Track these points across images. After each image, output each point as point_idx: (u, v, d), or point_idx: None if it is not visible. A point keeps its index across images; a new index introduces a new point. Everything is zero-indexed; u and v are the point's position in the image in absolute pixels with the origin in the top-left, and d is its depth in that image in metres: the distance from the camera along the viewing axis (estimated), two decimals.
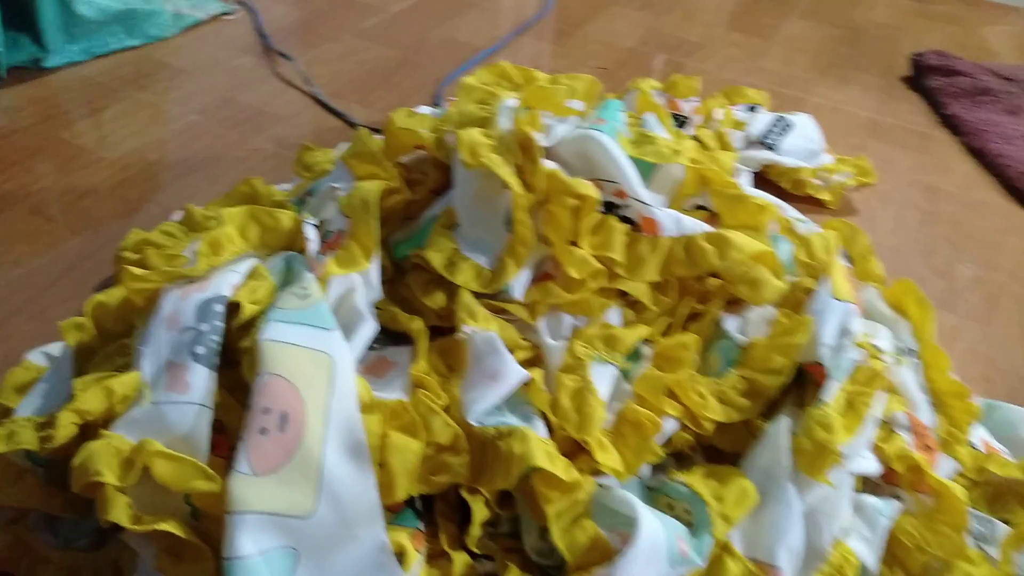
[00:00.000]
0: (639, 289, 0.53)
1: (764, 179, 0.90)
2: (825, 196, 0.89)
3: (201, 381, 0.44)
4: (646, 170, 0.56)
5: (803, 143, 0.93)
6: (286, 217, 0.52)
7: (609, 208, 0.54)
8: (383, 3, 1.26)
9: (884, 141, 1.04)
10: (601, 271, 0.51)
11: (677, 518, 0.47)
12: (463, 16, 1.24)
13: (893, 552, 0.51)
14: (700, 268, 0.52)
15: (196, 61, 1.08)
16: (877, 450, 0.52)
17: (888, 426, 0.53)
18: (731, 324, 0.53)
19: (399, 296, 0.53)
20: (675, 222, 0.53)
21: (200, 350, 0.45)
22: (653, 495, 0.49)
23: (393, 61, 1.10)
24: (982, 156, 1.01)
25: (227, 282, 0.48)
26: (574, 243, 0.52)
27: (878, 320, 0.62)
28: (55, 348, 0.60)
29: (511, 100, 0.54)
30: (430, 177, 0.56)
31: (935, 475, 0.51)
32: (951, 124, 1.08)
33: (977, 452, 0.59)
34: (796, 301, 0.55)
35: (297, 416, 0.41)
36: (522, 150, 0.51)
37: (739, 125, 0.93)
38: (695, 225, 0.53)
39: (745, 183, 0.82)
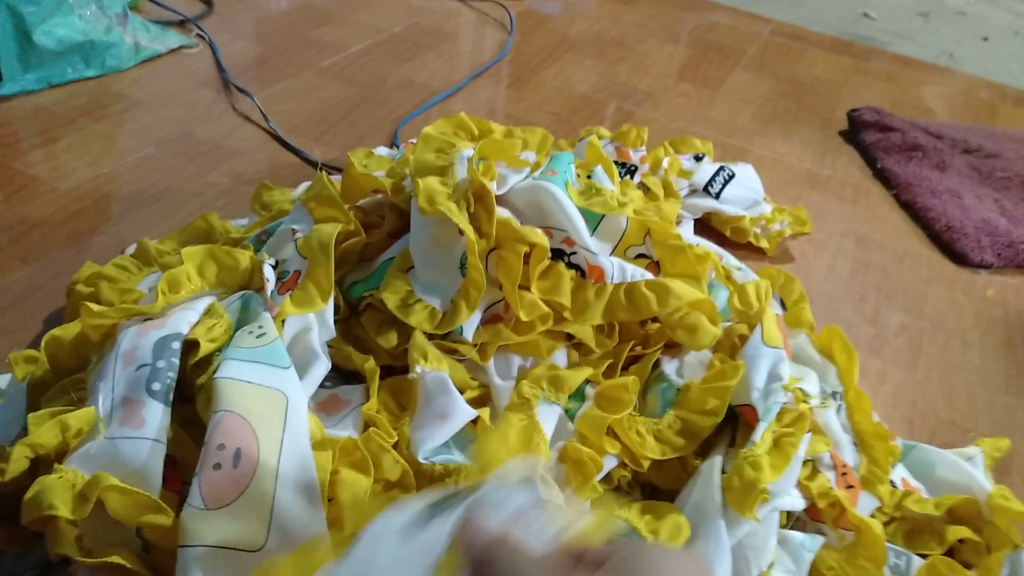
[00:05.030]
0: (584, 332, 0.55)
1: (706, 226, 0.94)
2: (763, 244, 0.94)
3: (156, 417, 0.45)
4: (593, 219, 0.59)
5: (744, 192, 0.98)
6: (244, 257, 0.53)
7: (558, 255, 0.57)
8: (342, 43, 1.28)
9: (821, 192, 1.09)
10: (549, 314, 0.54)
11: None
12: (421, 58, 1.27)
13: None
14: (641, 314, 0.55)
15: (154, 93, 1.09)
16: (802, 487, 0.55)
17: (813, 465, 0.56)
18: (669, 366, 0.56)
19: (352, 335, 0.55)
20: (619, 270, 0.56)
21: (156, 386, 0.46)
22: None
23: (351, 100, 1.12)
24: (911, 209, 1.08)
25: (184, 320, 0.49)
26: (524, 287, 0.55)
27: (807, 365, 0.66)
28: (2, 380, 0.60)
29: (468, 150, 0.57)
30: (387, 221, 0.58)
31: (856, 512, 0.55)
32: (883, 178, 1.14)
33: (896, 490, 0.63)
34: (730, 346, 0.58)
35: (251, 452, 0.42)
36: (476, 199, 0.53)
37: (685, 174, 0.97)
38: (638, 273, 0.56)
39: (687, 231, 0.86)
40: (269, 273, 0.53)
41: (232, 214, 0.84)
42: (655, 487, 0.55)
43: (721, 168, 0.99)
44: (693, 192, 0.96)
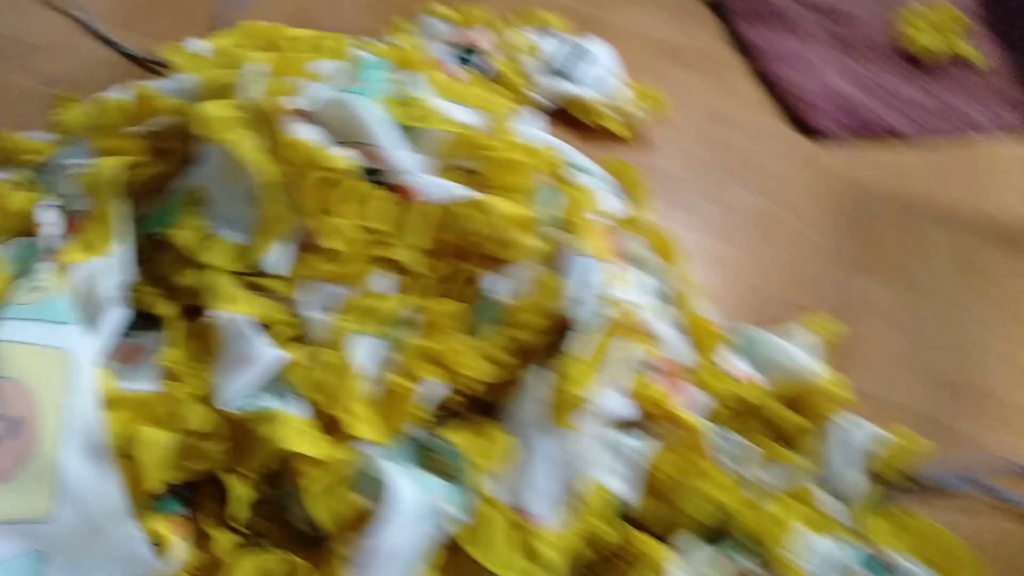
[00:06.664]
0: (407, 256, 0.54)
1: (560, 110, 0.92)
2: (618, 128, 0.92)
3: None
4: (411, 132, 0.56)
5: (599, 72, 0.95)
6: (16, 199, 0.49)
7: (372, 173, 0.54)
8: None
9: (680, 66, 1.07)
10: (361, 240, 0.52)
11: (443, 474, 0.51)
12: None
13: (653, 484, 0.57)
14: (463, 234, 0.54)
15: None
16: (635, 395, 0.57)
17: (641, 369, 0.58)
18: (495, 284, 0.56)
19: (157, 275, 0.52)
20: (437, 188, 0.54)
21: None
22: (424, 453, 0.52)
23: None
24: (765, 79, 1.07)
25: None
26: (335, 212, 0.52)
27: (644, 265, 0.67)
28: None
29: (260, 65, 0.52)
30: (183, 146, 0.53)
31: (675, 408, 0.57)
32: (743, 48, 1.13)
33: (731, 381, 0.66)
34: (556, 256, 0.58)
35: (31, 420, 0.40)
36: (269, 121, 0.49)
37: (534, 51, 0.94)
38: (457, 190, 0.54)
39: (534, 123, 0.84)
40: (46, 216, 0.48)
41: (36, 123, 0.76)
42: (492, 404, 0.56)
43: (576, 46, 0.96)
44: (544, 73, 0.93)
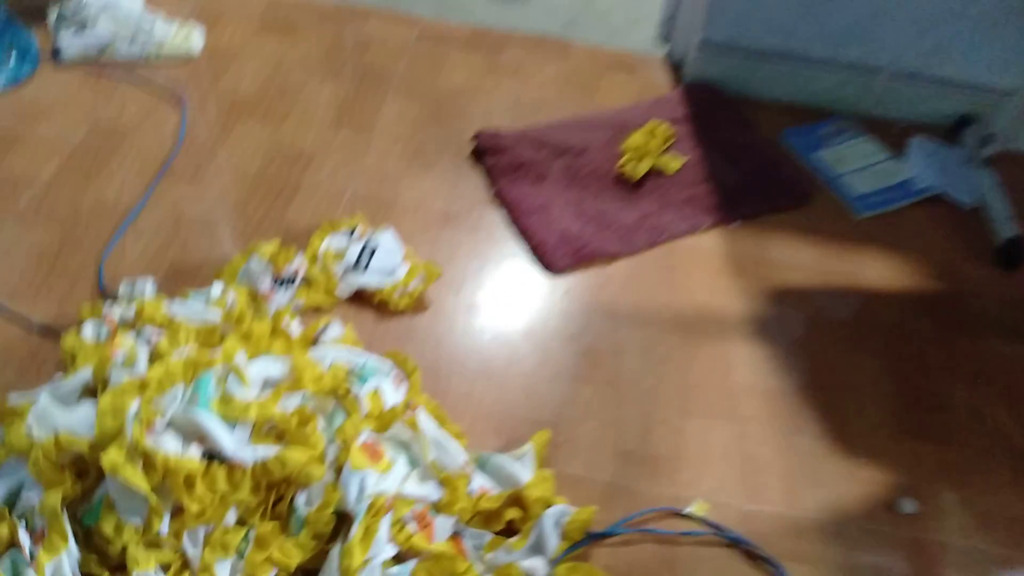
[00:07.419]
0: (241, 500, 0.90)
1: (360, 295, 1.28)
2: (404, 305, 1.29)
3: None
4: (235, 418, 0.93)
5: (386, 259, 1.32)
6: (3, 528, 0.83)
7: (214, 455, 0.90)
8: (32, 171, 1.42)
9: (453, 228, 1.44)
10: (212, 499, 0.88)
11: None
12: (107, 168, 1.45)
13: None
14: (275, 478, 0.91)
15: None
16: (399, 545, 0.95)
17: (400, 524, 0.96)
18: (300, 499, 0.93)
19: (95, 545, 0.87)
20: (252, 455, 0.90)
21: None
22: None
23: (54, 244, 1.31)
24: (514, 228, 1.45)
25: None
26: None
27: (408, 443, 1.04)
28: None
29: (134, 407, 0.88)
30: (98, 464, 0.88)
31: (428, 546, 0.95)
32: (497, 201, 1.50)
33: (473, 496, 1.04)
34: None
35: None
36: (142, 450, 0.85)
37: (336, 256, 1.29)
38: (266, 452, 0.91)
39: (334, 329, 1.20)
40: (23, 538, 0.83)
41: None
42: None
43: (368, 241, 1.32)
44: (347, 271, 1.29)
